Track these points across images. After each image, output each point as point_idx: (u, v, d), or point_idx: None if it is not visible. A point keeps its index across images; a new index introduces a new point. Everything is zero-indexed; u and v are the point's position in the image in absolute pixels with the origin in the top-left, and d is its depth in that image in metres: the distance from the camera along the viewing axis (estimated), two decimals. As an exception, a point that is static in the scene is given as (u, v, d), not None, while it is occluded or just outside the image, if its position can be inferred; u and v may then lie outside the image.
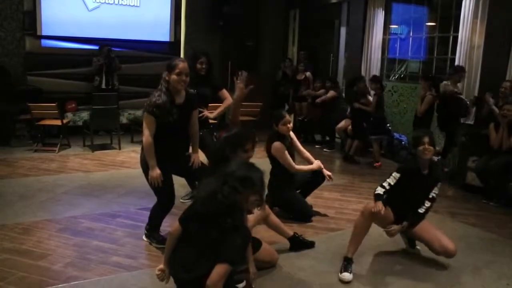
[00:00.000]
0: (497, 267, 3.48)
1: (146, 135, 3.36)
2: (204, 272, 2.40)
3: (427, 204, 3.36)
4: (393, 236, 3.44)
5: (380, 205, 3.22)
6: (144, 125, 3.39)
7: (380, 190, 3.33)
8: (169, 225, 3.71)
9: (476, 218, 4.59)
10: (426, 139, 3.30)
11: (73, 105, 8.22)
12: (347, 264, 3.23)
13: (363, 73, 8.26)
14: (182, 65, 3.39)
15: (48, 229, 3.86)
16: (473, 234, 4.15)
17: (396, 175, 3.38)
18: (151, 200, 3.67)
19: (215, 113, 4.80)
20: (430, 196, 3.36)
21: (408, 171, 3.40)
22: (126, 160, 6.52)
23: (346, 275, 3.16)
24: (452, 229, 4.11)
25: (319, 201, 4.85)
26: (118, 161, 6.48)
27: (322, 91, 8.18)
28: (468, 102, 6.17)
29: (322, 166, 4.37)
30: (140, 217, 4.13)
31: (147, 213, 3.70)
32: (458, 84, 6.21)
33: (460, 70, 6.17)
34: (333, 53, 9.74)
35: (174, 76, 3.36)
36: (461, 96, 6.16)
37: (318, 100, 8.07)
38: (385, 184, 3.36)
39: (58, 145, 6.84)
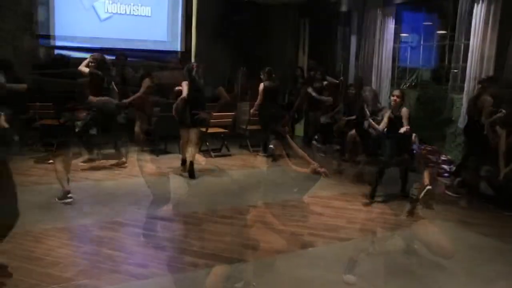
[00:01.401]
0: (512, 278, 3.43)
1: None
2: None
3: None
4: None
5: None
6: None
7: None
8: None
9: (489, 227, 4.52)
10: None
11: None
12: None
13: (373, 81, 8.23)
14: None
15: (58, 237, 3.88)
16: (486, 244, 4.08)
17: None
18: (160, 208, 3.68)
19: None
20: None
21: None
22: (136, 169, 6.52)
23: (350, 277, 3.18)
24: (465, 239, 4.05)
25: (328, 210, 4.81)
26: (127, 170, 6.48)
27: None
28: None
29: (317, 169, 4.36)
30: (149, 226, 4.13)
31: (157, 222, 3.71)
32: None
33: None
34: (343, 62, 9.70)
35: None
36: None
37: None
38: None
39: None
